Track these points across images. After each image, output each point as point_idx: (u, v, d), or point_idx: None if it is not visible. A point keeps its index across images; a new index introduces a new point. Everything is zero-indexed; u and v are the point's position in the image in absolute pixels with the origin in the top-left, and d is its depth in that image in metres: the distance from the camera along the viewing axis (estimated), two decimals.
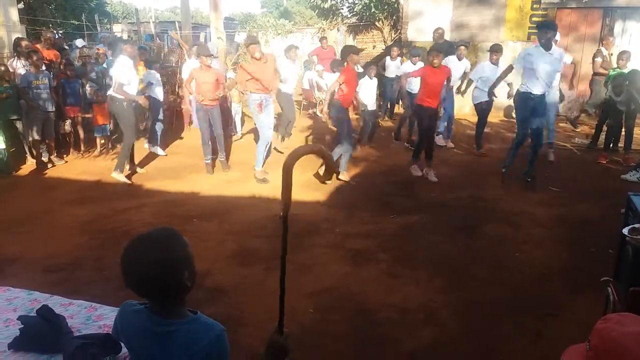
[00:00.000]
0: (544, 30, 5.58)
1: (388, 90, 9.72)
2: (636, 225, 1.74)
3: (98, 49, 9.12)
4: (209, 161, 6.72)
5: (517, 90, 5.89)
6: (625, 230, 1.74)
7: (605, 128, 7.44)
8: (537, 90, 5.66)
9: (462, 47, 7.76)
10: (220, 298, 3.65)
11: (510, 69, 6.00)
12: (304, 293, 3.69)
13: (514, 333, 3.24)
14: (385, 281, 3.93)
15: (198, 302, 3.51)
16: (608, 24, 9.88)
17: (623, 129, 7.08)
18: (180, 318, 1.44)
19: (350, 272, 4.07)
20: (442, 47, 6.23)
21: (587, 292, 3.58)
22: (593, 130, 8.03)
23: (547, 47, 5.54)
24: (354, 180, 6.36)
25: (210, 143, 6.70)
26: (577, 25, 10.10)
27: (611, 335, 1.06)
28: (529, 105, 5.74)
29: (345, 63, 6.15)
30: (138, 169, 6.79)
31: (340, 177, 6.32)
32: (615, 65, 7.49)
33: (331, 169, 1.77)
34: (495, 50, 7.21)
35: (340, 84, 5.96)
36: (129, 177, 6.52)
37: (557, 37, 6.60)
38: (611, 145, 7.31)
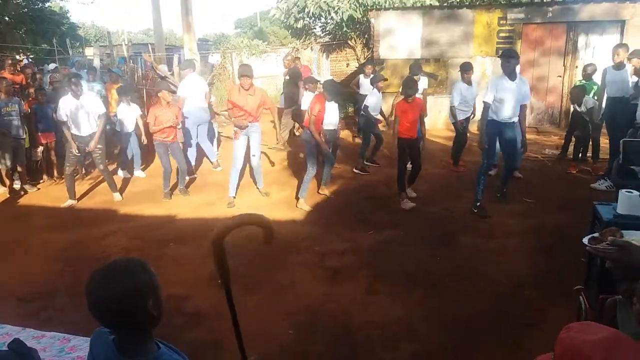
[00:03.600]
0: (505, 58, 5.54)
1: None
2: (595, 234, 1.80)
3: (66, 69, 9.09)
4: (167, 190, 6.66)
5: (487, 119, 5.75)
6: (585, 240, 1.80)
7: (573, 138, 7.64)
8: (504, 117, 5.64)
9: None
10: (200, 322, 3.61)
11: (485, 110, 5.74)
12: (283, 313, 3.69)
13: (493, 344, 3.28)
14: (364, 298, 3.95)
15: (178, 327, 3.48)
16: (572, 38, 10.21)
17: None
18: (142, 355, 1.41)
19: (330, 291, 4.07)
20: (410, 85, 6.14)
21: (562, 300, 3.64)
22: (562, 141, 8.23)
23: (510, 76, 5.53)
24: (332, 197, 6.41)
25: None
26: (542, 39, 10.43)
27: (572, 343, 1.10)
28: (496, 133, 5.71)
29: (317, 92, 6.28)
30: (116, 195, 6.71)
31: (320, 191, 6.53)
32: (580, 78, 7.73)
33: (269, 231, 1.77)
34: (466, 69, 7.19)
35: (314, 115, 6.04)
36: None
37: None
38: (580, 155, 7.51)
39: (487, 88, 5.73)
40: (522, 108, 5.70)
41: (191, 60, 8.53)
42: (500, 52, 5.92)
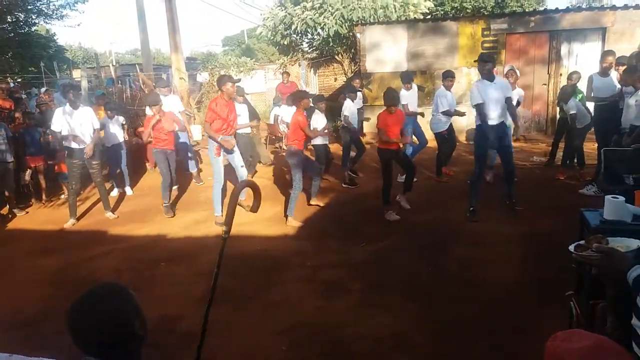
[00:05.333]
0: (482, 63, 5.73)
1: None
2: (581, 242, 1.82)
3: (42, 94, 9.11)
4: (167, 203, 6.70)
5: (475, 126, 5.92)
6: (571, 247, 1.81)
7: (561, 145, 7.72)
8: (492, 120, 5.73)
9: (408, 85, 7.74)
10: (192, 343, 3.56)
11: (479, 107, 5.83)
12: (277, 330, 3.66)
13: (487, 352, 3.27)
14: (358, 311, 3.93)
15: (171, 348, 3.45)
16: (555, 46, 10.38)
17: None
18: None
19: (323, 305, 4.05)
20: (393, 95, 6.08)
21: (555, 306, 3.64)
22: (550, 148, 8.30)
23: (489, 78, 5.71)
24: (322, 210, 6.42)
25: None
26: (526, 49, 10.59)
27: (556, 352, 1.11)
28: (488, 138, 5.75)
29: (297, 107, 6.28)
30: (109, 214, 6.75)
31: (312, 202, 6.58)
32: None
33: (258, 200, 2.54)
34: (449, 75, 7.31)
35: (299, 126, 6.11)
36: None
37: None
38: (568, 161, 7.57)
39: (472, 94, 5.80)
40: (508, 100, 5.83)
41: (165, 80, 8.69)
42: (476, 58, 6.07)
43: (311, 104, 6.79)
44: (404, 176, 6.51)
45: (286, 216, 6.14)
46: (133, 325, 1.40)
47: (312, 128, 6.76)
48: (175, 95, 8.36)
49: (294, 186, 6.13)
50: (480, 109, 5.71)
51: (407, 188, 6.27)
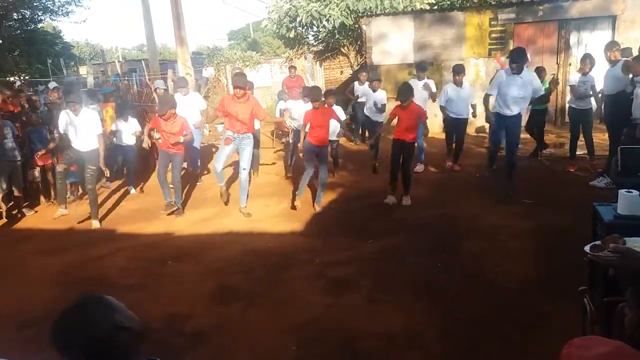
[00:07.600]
0: (510, 59, 5.96)
1: (359, 114, 9.81)
2: (597, 242, 1.77)
3: (50, 92, 9.08)
4: (168, 200, 6.46)
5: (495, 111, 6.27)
6: (587, 248, 1.76)
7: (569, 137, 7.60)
8: (507, 111, 6.03)
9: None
10: (201, 342, 3.56)
11: (487, 97, 6.25)
12: (286, 329, 3.64)
13: (498, 350, 3.23)
14: (367, 308, 3.90)
15: (179, 349, 3.44)
16: (564, 35, 10.23)
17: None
18: None
19: (332, 303, 4.02)
20: (407, 89, 6.06)
21: (566, 301, 3.58)
22: (559, 140, 8.20)
23: (516, 72, 5.87)
24: (330, 207, 6.37)
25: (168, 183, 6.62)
26: (534, 38, 10.44)
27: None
28: (500, 124, 6.18)
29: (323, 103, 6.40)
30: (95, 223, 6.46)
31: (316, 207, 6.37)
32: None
33: None
34: (457, 71, 7.35)
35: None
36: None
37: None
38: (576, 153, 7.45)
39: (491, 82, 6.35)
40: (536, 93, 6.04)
41: (184, 80, 8.49)
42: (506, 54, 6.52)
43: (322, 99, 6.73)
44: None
45: (293, 196, 6.48)
46: (111, 336, 1.39)
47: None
48: (196, 93, 8.24)
49: (306, 171, 6.32)
50: (488, 99, 6.19)
51: (404, 187, 6.26)
